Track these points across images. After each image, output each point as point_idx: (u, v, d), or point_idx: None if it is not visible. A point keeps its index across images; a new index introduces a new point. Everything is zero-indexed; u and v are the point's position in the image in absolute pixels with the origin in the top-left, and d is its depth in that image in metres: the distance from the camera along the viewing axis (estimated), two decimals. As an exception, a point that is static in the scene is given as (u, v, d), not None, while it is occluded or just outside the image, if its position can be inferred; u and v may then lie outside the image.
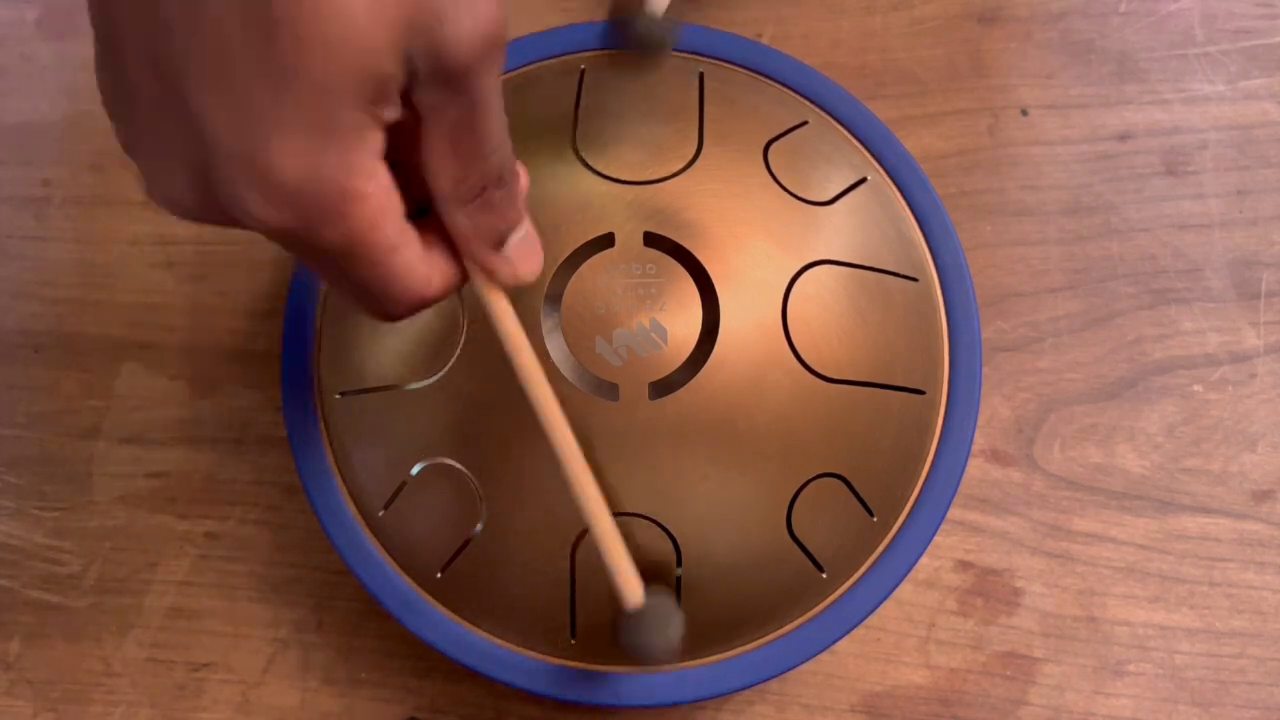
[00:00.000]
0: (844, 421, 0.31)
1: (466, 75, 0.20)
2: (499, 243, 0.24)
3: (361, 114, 0.19)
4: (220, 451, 0.39)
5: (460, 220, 0.23)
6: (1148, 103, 0.41)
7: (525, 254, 0.25)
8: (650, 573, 0.30)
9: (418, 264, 0.23)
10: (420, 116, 0.21)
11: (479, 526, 0.31)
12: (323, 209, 0.20)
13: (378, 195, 0.21)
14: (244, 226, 0.21)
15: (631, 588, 0.27)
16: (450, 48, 0.20)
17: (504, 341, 0.26)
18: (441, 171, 0.22)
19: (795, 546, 0.31)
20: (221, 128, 0.19)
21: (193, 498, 0.38)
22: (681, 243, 0.31)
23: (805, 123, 0.34)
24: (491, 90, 0.21)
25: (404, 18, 0.19)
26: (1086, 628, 0.36)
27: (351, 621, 0.37)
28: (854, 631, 0.31)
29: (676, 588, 0.30)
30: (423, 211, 0.24)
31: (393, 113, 0.20)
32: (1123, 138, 0.40)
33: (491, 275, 0.25)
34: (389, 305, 0.23)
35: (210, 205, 0.21)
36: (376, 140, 0.20)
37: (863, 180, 0.34)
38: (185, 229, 0.41)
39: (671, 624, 0.28)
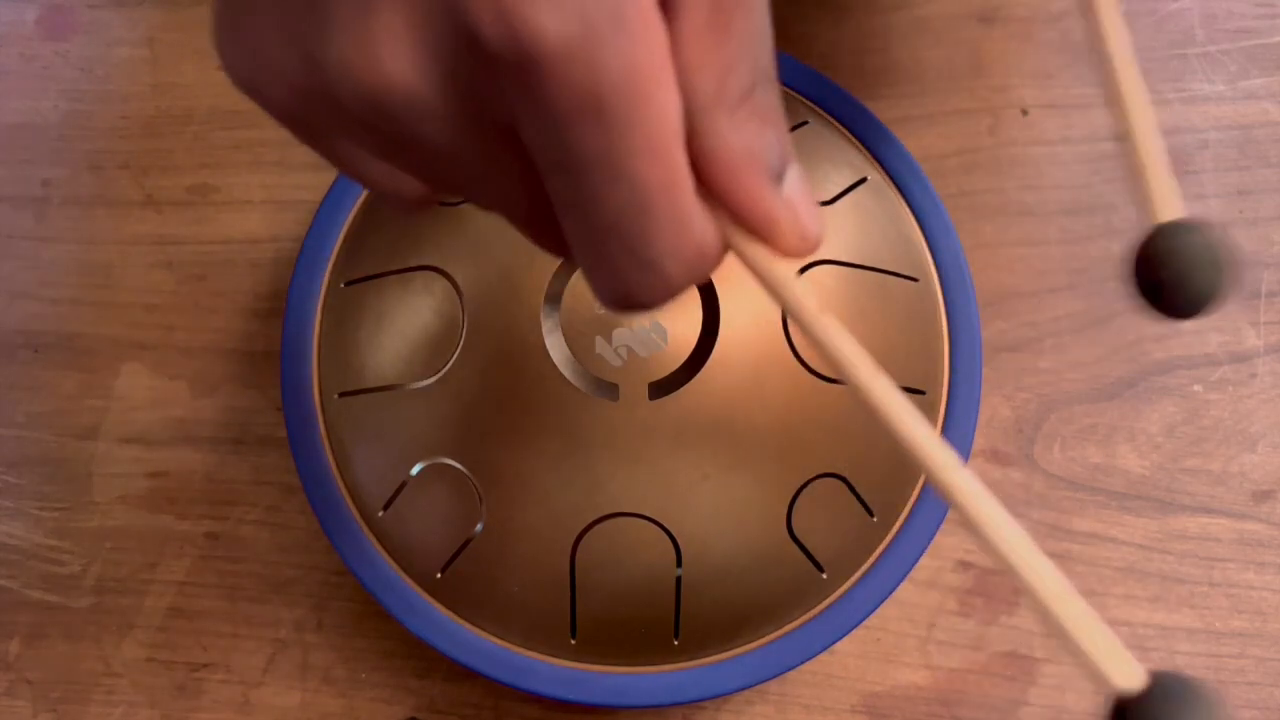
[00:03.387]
0: (844, 421, 0.31)
1: None
2: (777, 173, 0.17)
3: None
4: (220, 451, 0.39)
5: (726, 132, 0.16)
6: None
7: (806, 198, 0.17)
8: (650, 573, 0.30)
9: (695, 192, 0.16)
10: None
11: (479, 526, 0.31)
12: (612, 16, 0.14)
13: (663, 39, 0.14)
14: (471, 93, 0.15)
15: (1119, 664, 0.17)
16: None
17: (793, 312, 0.18)
18: (701, 61, 0.15)
19: (795, 546, 0.31)
20: None
21: (193, 498, 0.38)
22: (681, 243, 0.31)
23: (805, 123, 0.34)
24: None
25: None
26: (1086, 628, 0.36)
27: (351, 621, 0.37)
28: (854, 631, 0.31)
29: (676, 588, 0.30)
30: None
31: None
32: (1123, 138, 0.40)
33: (769, 226, 0.17)
34: (669, 243, 0.16)
35: (447, 52, 0.14)
36: None
37: (863, 180, 0.34)
38: (185, 229, 0.41)
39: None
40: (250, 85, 0.16)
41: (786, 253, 0.17)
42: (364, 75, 0.15)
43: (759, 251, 0.17)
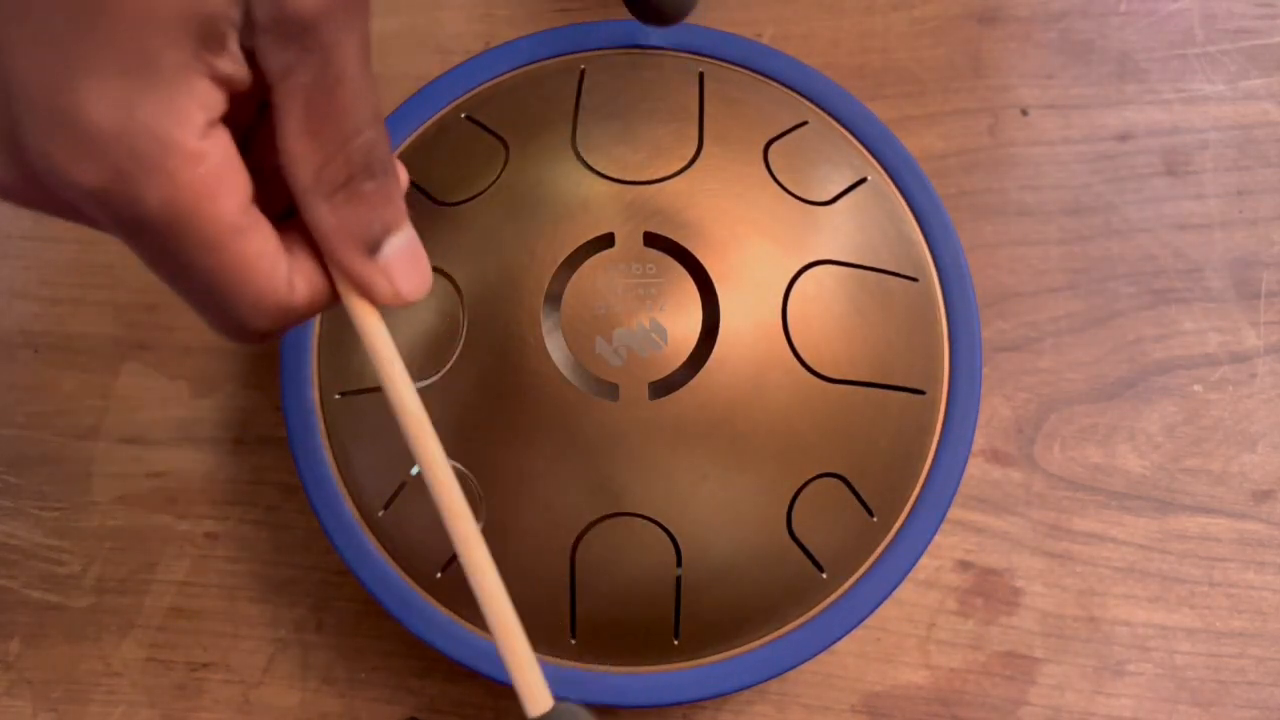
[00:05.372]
0: (844, 421, 0.31)
1: (315, 29, 0.18)
2: (371, 247, 0.20)
3: (187, 56, 0.17)
4: (220, 451, 0.39)
5: (323, 215, 0.20)
6: (1148, 103, 0.41)
7: (406, 265, 0.21)
8: (650, 573, 0.30)
9: (273, 259, 0.19)
10: (270, 86, 0.19)
11: (479, 527, 0.31)
12: (140, 162, 0.17)
13: (212, 157, 0.18)
14: (60, 205, 0.19)
15: (535, 693, 0.22)
16: None
17: (380, 377, 0.22)
18: (298, 153, 0.19)
19: (795, 546, 0.31)
20: (24, 69, 0.17)
21: (193, 498, 0.38)
22: (681, 243, 0.31)
23: (805, 123, 0.34)
24: (350, 55, 0.19)
25: None
26: (1086, 628, 0.36)
27: (351, 621, 0.37)
28: (854, 631, 0.31)
29: (677, 588, 0.30)
30: (289, 216, 0.21)
31: (228, 65, 0.18)
32: (1123, 138, 0.40)
33: (364, 288, 0.21)
34: (242, 308, 0.19)
35: (19, 171, 0.18)
36: (209, 94, 0.18)
37: (863, 180, 0.34)
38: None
39: None
40: None
41: (383, 304, 0.21)
42: None
43: (357, 299, 0.21)
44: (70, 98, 0.17)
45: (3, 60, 0.17)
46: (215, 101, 0.18)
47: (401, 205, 0.21)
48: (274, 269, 0.19)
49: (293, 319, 0.20)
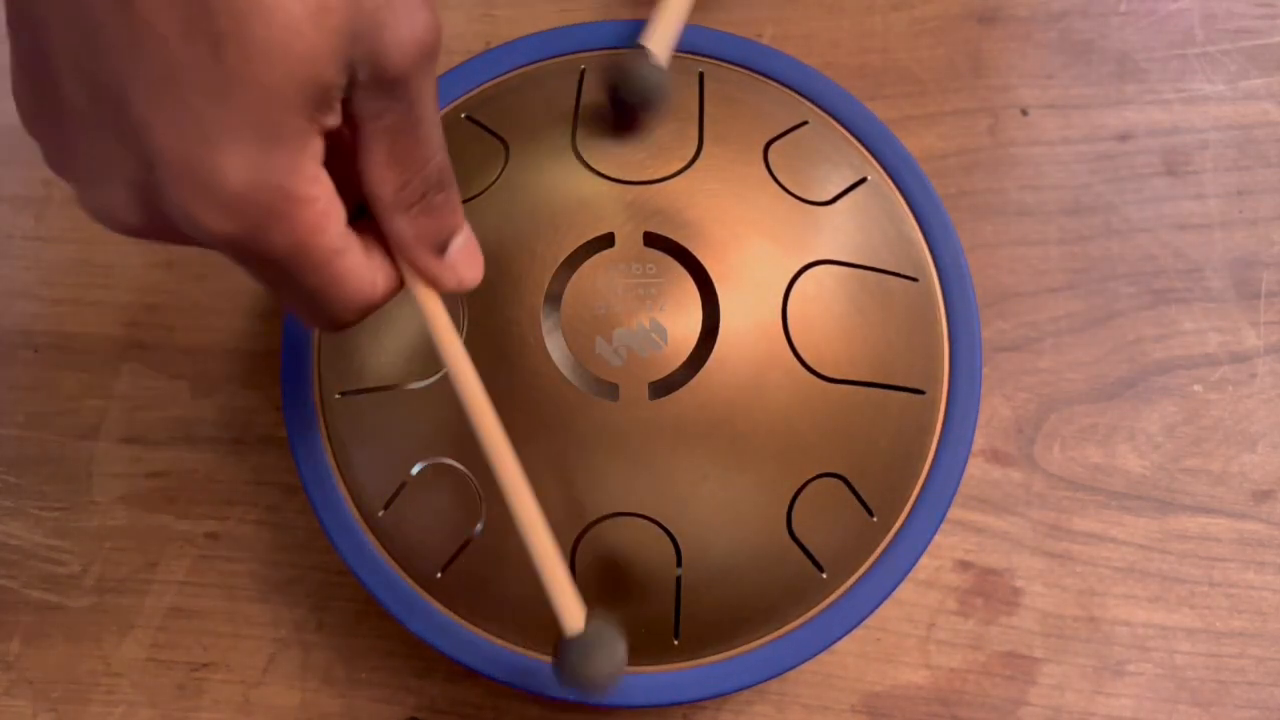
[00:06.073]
0: (844, 421, 0.31)
1: (406, 81, 0.21)
2: (441, 248, 0.25)
3: (305, 121, 0.20)
4: (220, 451, 0.39)
5: (402, 226, 0.24)
6: (1148, 103, 0.41)
7: (468, 259, 0.25)
8: (650, 573, 0.30)
9: (362, 267, 0.23)
10: (358, 125, 0.22)
11: (479, 526, 0.31)
12: (270, 214, 0.20)
13: (322, 200, 0.21)
14: (187, 240, 0.22)
15: (572, 612, 0.27)
16: (390, 54, 0.21)
17: (441, 352, 0.26)
18: (383, 179, 0.23)
19: (795, 546, 0.31)
20: (167, 141, 0.19)
21: (193, 498, 0.38)
22: (681, 243, 0.31)
23: (805, 123, 0.34)
24: (428, 95, 0.23)
25: (346, 27, 0.20)
26: (1086, 628, 0.36)
27: (351, 621, 0.37)
28: (854, 631, 0.31)
29: (676, 588, 0.30)
30: (358, 215, 0.24)
31: (333, 120, 0.21)
32: (1123, 138, 0.40)
33: (435, 281, 0.25)
34: (337, 310, 0.23)
35: (153, 219, 0.21)
36: (318, 147, 0.21)
37: (863, 180, 0.34)
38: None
39: (615, 652, 0.27)
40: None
41: (446, 291, 0.25)
42: (107, 217, 0.23)
43: (424, 287, 0.25)
44: (209, 164, 0.20)
45: (145, 135, 0.20)
46: (320, 150, 0.21)
47: (461, 210, 0.25)
48: (362, 275, 0.23)
49: (372, 309, 0.24)
